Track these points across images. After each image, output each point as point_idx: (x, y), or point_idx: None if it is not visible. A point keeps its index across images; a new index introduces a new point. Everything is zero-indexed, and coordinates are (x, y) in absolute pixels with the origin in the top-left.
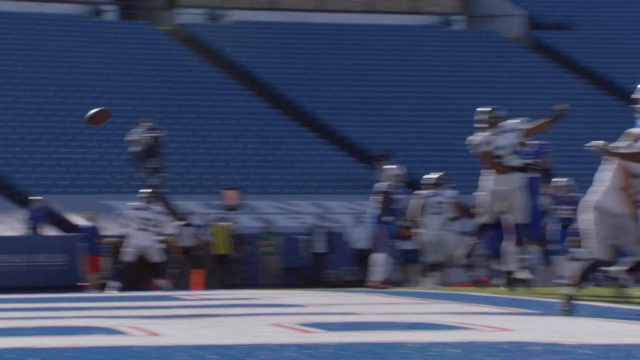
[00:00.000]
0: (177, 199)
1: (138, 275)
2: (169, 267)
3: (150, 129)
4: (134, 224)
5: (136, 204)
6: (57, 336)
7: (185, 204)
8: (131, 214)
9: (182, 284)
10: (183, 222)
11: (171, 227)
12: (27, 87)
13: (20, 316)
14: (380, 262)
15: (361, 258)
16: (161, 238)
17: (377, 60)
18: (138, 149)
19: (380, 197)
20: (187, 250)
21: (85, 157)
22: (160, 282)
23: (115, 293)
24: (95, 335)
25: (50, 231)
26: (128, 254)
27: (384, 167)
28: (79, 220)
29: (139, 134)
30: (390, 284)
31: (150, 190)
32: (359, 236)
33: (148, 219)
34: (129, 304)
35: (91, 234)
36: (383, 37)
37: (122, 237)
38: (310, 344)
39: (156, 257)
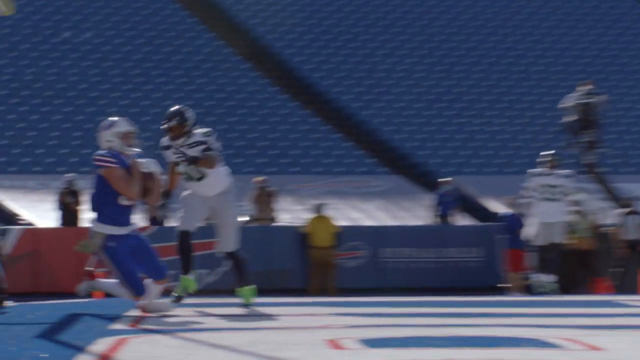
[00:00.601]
0: (619, 181)
1: (569, 270)
2: (611, 266)
3: (589, 94)
4: (536, 194)
5: (538, 170)
6: (475, 348)
7: (630, 187)
8: (532, 182)
9: (627, 286)
10: (627, 210)
11: (612, 215)
12: (439, 49)
13: (431, 323)
14: None
15: None
16: (572, 209)
17: None
18: (572, 118)
19: None
20: (632, 245)
21: (504, 129)
22: (540, 277)
23: (544, 296)
24: (523, 348)
25: (462, 220)
26: (536, 236)
27: None
28: (497, 206)
29: (574, 100)
30: None
31: (553, 152)
32: None
33: (553, 186)
34: (562, 310)
35: (513, 223)
36: None
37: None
38: None
39: (559, 236)
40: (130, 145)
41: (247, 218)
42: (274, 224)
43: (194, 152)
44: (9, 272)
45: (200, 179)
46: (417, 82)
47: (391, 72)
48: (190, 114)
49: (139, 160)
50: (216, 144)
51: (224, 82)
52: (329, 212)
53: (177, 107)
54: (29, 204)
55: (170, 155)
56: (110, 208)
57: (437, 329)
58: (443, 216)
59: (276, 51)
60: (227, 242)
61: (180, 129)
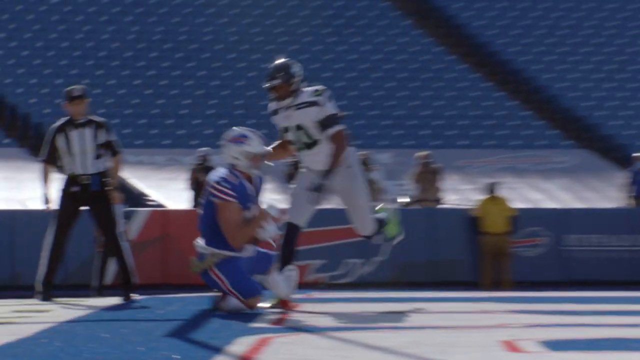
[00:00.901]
0: None
1: None
2: None
3: None
4: None
5: None
6: None
7: None
8: None
9: None
10: None
11: None
12: None
13: (624, 322)
14: None
15: None
16: None
17: None
18: None
19: None
20: None
21: None
22: None
23: None
24: None
25: None
26: None
27: None
28: None
29: None
30: None
31: None
32: None
33: None
34: None
35: None
36: None
37: None
38: None
39: None
40: (258, 168)
41: (408, 199)
42: (439, 206)
43: (301, 116)
44: (135, 261)
45: (312, 144)
46: (607, 40)
47: (576, 28)
48: (296, 68)
49: (265, 209)
50: (330, 105)
51: (381, 41)
52: (503, 193)
53: (281, 60)
54: (157, 183)
55: (279, 121)
56: (222, 235)
57: (631, 329)
58: (638, 197)
59: (441, 5)
60: (363, 225)
61: (286, 88)
